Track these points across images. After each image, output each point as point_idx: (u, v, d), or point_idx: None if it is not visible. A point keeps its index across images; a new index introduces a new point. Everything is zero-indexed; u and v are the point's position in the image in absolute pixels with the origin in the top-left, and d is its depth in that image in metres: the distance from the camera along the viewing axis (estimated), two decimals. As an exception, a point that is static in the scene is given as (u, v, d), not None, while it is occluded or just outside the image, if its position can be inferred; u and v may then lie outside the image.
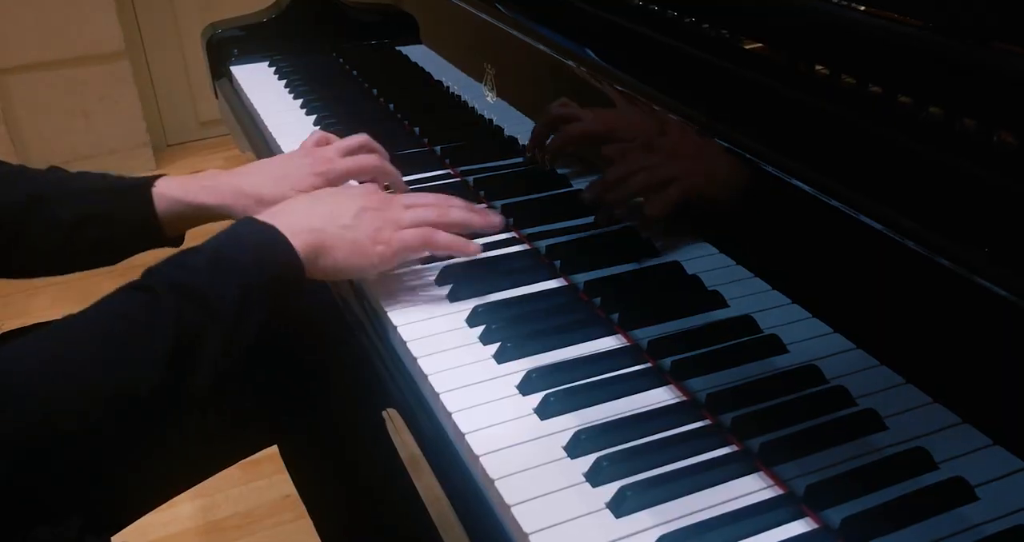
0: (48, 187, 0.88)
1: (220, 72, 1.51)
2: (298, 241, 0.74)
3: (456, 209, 0.83)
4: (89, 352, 0.64)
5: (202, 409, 0.74)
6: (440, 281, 0.85)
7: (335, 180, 0.91)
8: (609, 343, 0.76)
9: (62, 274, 0.96)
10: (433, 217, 0.81)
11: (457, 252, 0.83)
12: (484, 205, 0.86)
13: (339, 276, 0.80)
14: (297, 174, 0.90)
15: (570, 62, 0.83)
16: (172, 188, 0.89)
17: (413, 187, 1.03)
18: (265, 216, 0.76)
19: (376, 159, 0.95)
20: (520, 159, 0.99)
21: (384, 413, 0.81)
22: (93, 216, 0.87)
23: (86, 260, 0.92)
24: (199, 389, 0.67)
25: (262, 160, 0.94)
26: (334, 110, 1.28)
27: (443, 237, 0.81)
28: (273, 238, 0.73)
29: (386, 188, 0.94)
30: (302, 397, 1.00)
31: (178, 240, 0.94)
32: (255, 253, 0.72)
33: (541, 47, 0.87)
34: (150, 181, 0.89)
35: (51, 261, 0.91)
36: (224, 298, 0.68)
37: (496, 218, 0.85)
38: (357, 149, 0.95)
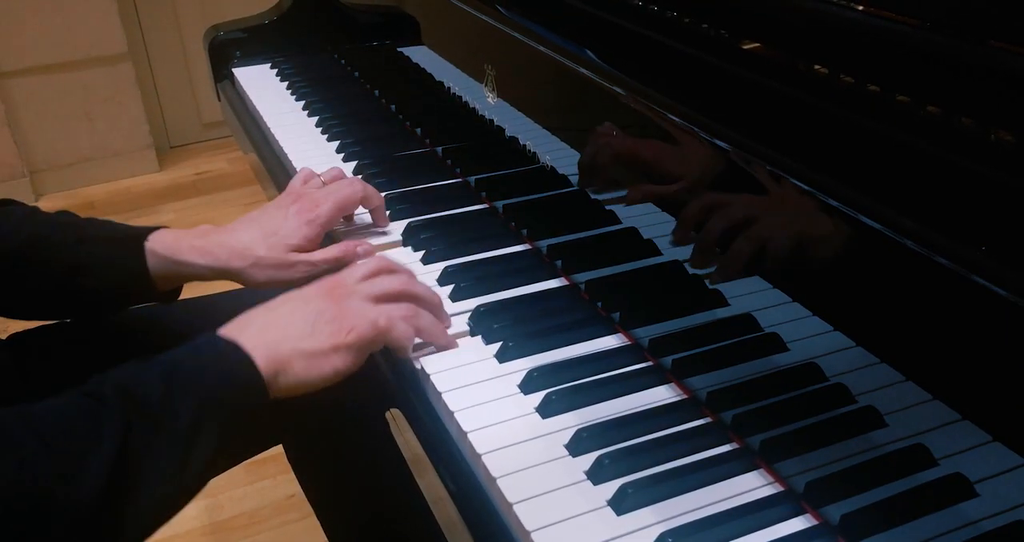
0: (51, 232, 0.86)
1: (222, 74, 1.52)
2: (259, 361, 0.68)
3: (426, 315, 0.76)
4: (21, 456, 0.58)
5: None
6: (442, 281, 0.86)
7: (325, 224, 0.89)
8: (610, 342, 0.76)
9: (61, 319, 0.95)
10: (398, 286, 0.76)
11: (437, 337, 0.77)
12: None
13: (301, 391, 0.72)
14: (287, 226, 0.87)
15: (571, 63, 0.83)
16: (164, 244, 0.86)
17: (414, 189, 1.04)
18: (227, 331, 0.70)
19: (357, 186, 0.92)
20: (521, 159, 1.00)
21: (387, 414, 0.80)
22: (86, 266, 0.85)
23: (82, 309, 0.91)
24: (133, 515, 0.61)
25: (252, 214, 0.90)
26: (336, 111, 1.28)
27: (426, 317, 0.76)
28: (236, 356, 0.67)
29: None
30: (306, 396, 1.00)
31: (173, 294, 0.92)
32: (215, 371, 0.66)
33: (542, 49, 0.87)
34: (144, 234, 0.86)
35: (48, 307, 0.90)
36: (177, 418, 0.63)
37: (454, 342, 0.78)
38: (345, 195, 0.92)
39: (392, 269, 0.79)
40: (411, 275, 0.80)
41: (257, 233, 0.87)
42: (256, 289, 0.86)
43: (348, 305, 0.73)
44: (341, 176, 0.98)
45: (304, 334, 0.70)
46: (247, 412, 0.67)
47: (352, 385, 0.91)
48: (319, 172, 0.98)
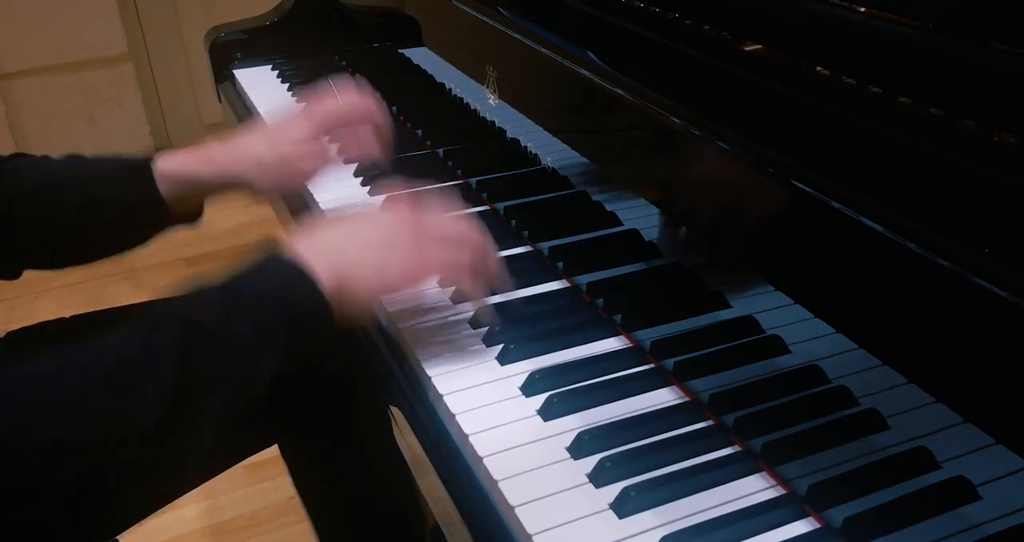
0: (60, 174, 0.86)
1: (223, 75, 1.52)
2: (323, 271, 0.65)
3: (494, 258, 0.77)
4: (81, 389, 0.58)
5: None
6: (443, 282, 0.85)
7: (327, 120, 0.88)
8: (612, 344, 0.76)
9: (84, 263, 0.93)
10: (466, 259, 0.74)
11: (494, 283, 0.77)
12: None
13: (367, 303, 0.73)
14: (283, 126, 0.87)
15: (572, 65, 0.83)
16: (171, 165, 0.86)
17: (415, 191, 1.04)
18: (290, 243, 0.69)
19: (368, 100, 0.91)
20: (522, 161, 0.99)
21: (389, 411, 0.80)
22: (100, 201, 0.84)
23: (103, 247, 0.90)
24: (200, 435, 0.60)
25: (256, 126, 0.92)
26: (337, 113, 1.28)
27: (492, 264, 0.76)
28: (294, 277, 0.65)
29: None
30: (305, 394, 1.00)
31: (194, 216, 0.91)
32: (278, 294, 0.64)
33: (543, 50, 0.87)
34: (150, 159, 0.86)
35: (69, 251, 0.89)
36: (237, 336, 0.61)
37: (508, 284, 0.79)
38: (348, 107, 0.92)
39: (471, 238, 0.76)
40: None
41: (257, 135, 0.86)
42: (265, 192, 0.88)
43: (425, 249, 0.71)
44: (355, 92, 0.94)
45: (375, 262, 0.69)
46: (311, 335, 0.65)
47: (352, 382, 0.91)
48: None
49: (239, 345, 0.61)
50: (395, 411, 0.77)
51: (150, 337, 0.60)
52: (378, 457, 1.15)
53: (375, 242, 0.70)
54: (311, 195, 1.04)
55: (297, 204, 1.08)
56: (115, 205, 0.85)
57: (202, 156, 0.86)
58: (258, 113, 1.33)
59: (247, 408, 0.62)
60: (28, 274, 0.92)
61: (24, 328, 0.96)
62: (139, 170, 0.85)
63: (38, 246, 0.87)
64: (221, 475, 1.02)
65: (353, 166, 1.08)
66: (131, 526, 0.77)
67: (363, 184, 1.06)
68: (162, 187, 0.85)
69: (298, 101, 0.95)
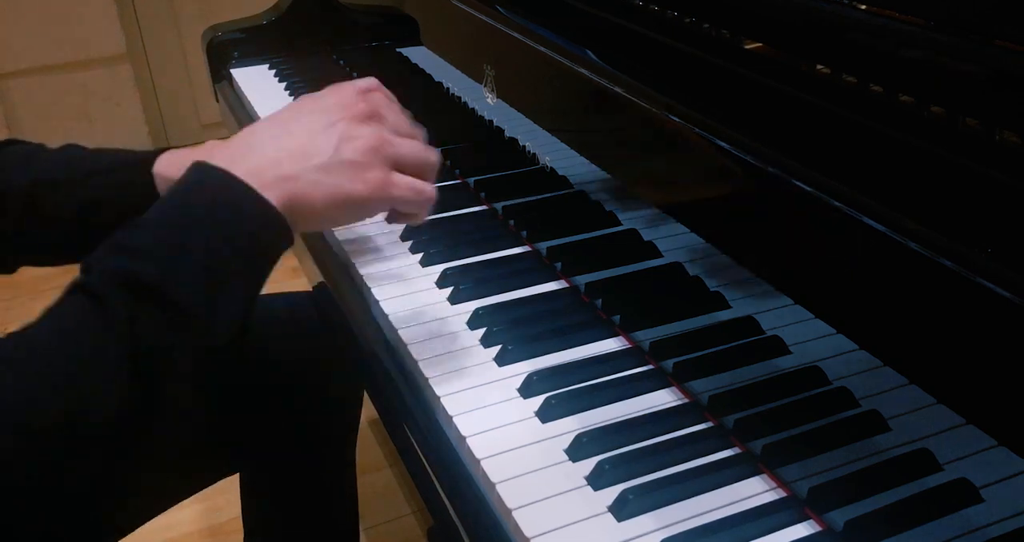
0: (57, 168, 0.82)
1: (221, 75, 1.51)
2: (271, 196, 0.60)
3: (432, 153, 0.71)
4: (35, 379, 0.54)
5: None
6: (441, 284, 0.85)
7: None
8: (610, 345, 0.76)
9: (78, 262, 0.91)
10: (432, 158, 0.69)
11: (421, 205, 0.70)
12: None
13: (317, 228, 0.70)
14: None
15: (571, 64, 0.82)
16: (172, 168, 0.79)
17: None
18: (222, 160, 0.62)
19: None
20: (521, 160, 0.99)
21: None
22: (98, 202, 0.80)
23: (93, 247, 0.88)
24: (173, 398, 0.57)
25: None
26: (335, 112, 1.27)
27: (431, 190, 0.69)
28: (240, 196, 0.59)
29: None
30: (270, 420, 0.98)
31: None
32: (220, 218, 0.58)
33: (542, 49, 0.86)
34: (152, 158, 0.81)
35: (66, 248, 0.84)
36: (186, 290, 0.55)
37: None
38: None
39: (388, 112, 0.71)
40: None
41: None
42: None
43: (381, 133, 0.66)
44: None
45: (324, 163, 0.63)
46: (268, 254, 0.60)
47: (320, 408, 0.87)
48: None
49: (192, 302, 0.56)
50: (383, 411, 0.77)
51: (93, 314, 0.55)
52: (334, 485, 1.15)
53: (317, 139, 0.64)
54: None
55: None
56: (114, 204, 0.81)
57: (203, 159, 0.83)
58: (256, 114, 1.32)
59: (208, 364, 0.59)
60: (27, 274, 0.91)
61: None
62: (140, 168, 0.81)
63: (34, 242, 0.84)
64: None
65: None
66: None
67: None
68: (162, 189, 0.82)
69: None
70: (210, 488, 1.01)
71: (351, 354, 0.88)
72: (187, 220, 0.59)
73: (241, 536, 1.32)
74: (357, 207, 0.66)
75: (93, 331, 0.55)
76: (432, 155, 0.71)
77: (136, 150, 0.85)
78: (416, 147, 0.69)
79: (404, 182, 0.67)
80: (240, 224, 0.59)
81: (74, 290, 0.57)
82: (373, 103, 0.70)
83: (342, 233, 0.96)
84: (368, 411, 1.18)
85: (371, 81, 0.74)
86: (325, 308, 0.82)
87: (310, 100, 0.68)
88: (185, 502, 0.97)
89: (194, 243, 0.57)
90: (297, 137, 0.65)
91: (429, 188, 0.69)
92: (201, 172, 0.62)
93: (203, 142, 0.85)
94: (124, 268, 0.56)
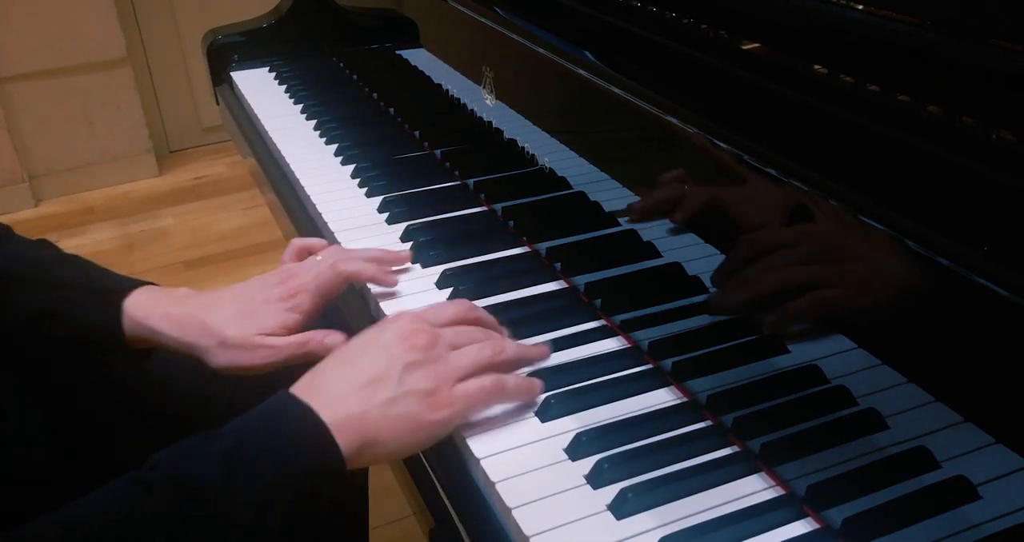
0: (23, 269, 0.80)
1: (221, 78, 1.52)
2: (341, 436, 0.60)
3: (509, 343, 0.71)
4: None
5: None
6: (441, 284, 0.85)
7: (307, 313, 0.80)
8: (609, 345, 0.76)
9: (14, 363, 0.85)
10: (488, 357, 0.68)
11: (528, 397, 0.70)
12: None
13: (392, 459, 0.68)
14: (265, 312, 0.78)
15: (569, 65, 0.83)
16: (139, 307, 0.79)
17: (413, 192, 1.03)
18: (301, 391, 0.63)
19: (341, 267, 0.82)
20: (520, 161, 0.99)
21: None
22: (56, 313, 0.78)
23: (40, 355, 0.84)
24: None
25: (238, 288, 0.81)
26: (334, 114, 1.28)
27: (512, 384, 0.68)
28: (312, 431, 0.60)
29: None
30: None
31: (144, 354, 0.83)
32: (285, 447, 0.59)
33: (540, 50, 0.87)
34: (125, 291, 0.79)
35: (15, 351, 0.82)
36: (238, 506, 0.56)
37: (547, 348, 0.74)
38: (328, 269, 0.82)
39: (475, 317, 0.73)
40: (494, 325, 0.74)
41: (232, 312, 0.79)
42: (220, 369, 0.78)
43: (439, 356, 0.66)
44: (330, 250, 0.87)
45: (392, 395, 0.63)
46: (320, 494, 0.60)
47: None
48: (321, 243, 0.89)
49: (238, 517, 0.57)
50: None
51: (141, 503, 0.56)
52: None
53: (382, 372, 0.64)
54: (321, 218, 1.03)
55: (301, 216, 1.08)
56: (71, 323, 0.78)
57: (173, 312, 0.79)
58: (256, 117, 1.32)
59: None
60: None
61: None
62: (110, 297, 0.79)
63: None
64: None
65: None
66: None
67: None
68: (124, 324, 0.79)
69: (290, 256, 0.86)
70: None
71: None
72: (256, 443, 0.59)
73: None
74: (430, 431, 0.65)
75: (135, 525, 0.56)
76: (501, 352, 0.69)
77: (107, 272, 0.83)
78: (475, 355, 0.68)
79: (473, 391, 0.66)
80: (307, 465, 0.60)
81: (129, 481, 0.58)
82: (431, 323, 0.70)
83: (341, 236, 0.96)
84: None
85: (443, 307, 0.73)
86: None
87: (372, 333, 0.68)
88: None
89: (257, 468, 0.58)
90: (363, 372, 0.65)
91: (501, 382, 0.67)
92: (286, 404, 0.62)
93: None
94: (185, 468, 0.57)
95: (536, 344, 0.74)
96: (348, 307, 0.88)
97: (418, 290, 0.85)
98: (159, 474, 0.57)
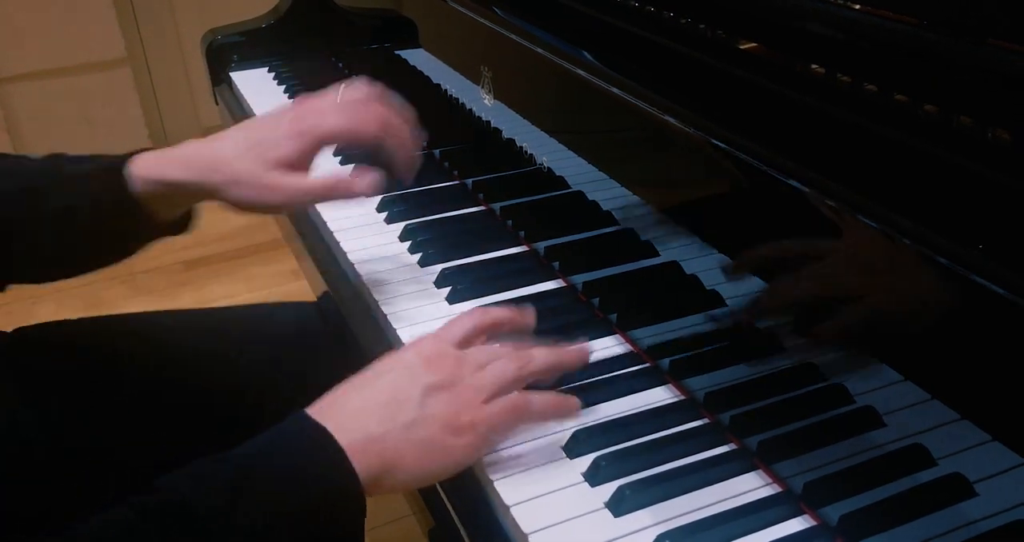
0: (40, 178, 0.77)
1: (220, 78, 1.52)
2: (359, 461, 0.57)
3: (539, 352, 0.65)
4: None
5: None
6: (439, 283, 0.85)
7: (322, 138, 0.73)
8: (608, 343, 0.76)
9: (74, 276, 0.84)
10: (514, 371, 0.63)
11: (559, 416, 0.66)
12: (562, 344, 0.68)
13: (414, 487, 0.65)
14: (272, 137, 0.72)
15: (567, 65, 0.83)
16: (148, 166, 0.74)
17: (411, 191, 1.04)
18: (318, 413, 0.60)
19: (381, 111, 0.76)
20: (518, 161, 1.00)
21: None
22: (75, 207, 0.75)
23: (90, 257, 0.82)
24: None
25: (247, 120, 0.78)
26: (333, 114, 1.28)
27: (538, 403, 0.64)
28: (328, 457, 0.57)
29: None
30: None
31: (183, 223, 0.81)
32: (298, 474, 0.56)
33: (538, 50, 0.87)
34: (124, 159, 0.75)
35: (50, 262, 0.80)
36: (235, 533, 0.53)
37: (586, 349, 0.69)
38: (359, 102, 0.76)
39: (493, 321, 0.67)
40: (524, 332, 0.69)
41: (240, 142, 0.73)
42: (241, 210, 0.74)
43: (463, 377, 0.62)
44: (365, 95, 0.80)
45: (413, 418, 0.59)
46: (335, 522, 0.57)
47: None
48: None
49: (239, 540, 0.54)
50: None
51: (133, 529, 0.54)
52: None
53: (402, 395, 0.60)
54: (320, 217, 1.01)
55: (299, 216, 1.08)
56: (89, 211, 0.75)
57: (178, 155, 0.76)
58: (254, 115, 1.32)
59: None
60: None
61: (36, 325, 0.93)
62: (111, 171, 0.75)
63: (17, 258, 0.79)
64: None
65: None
66: None
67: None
68: (138, 189, 0.75)
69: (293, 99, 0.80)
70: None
71: (355, 357, 0.88)
72: (267, 467, 0.57)
73: None
74: (454, 457, 0.61)
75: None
76: (527, 364, 0.64)
77: (115, 155, 0.79)
78: (499, 372, 0.63)
79: (497, 412, 0.62)
80: (319, 498, 0.56)
81: (123, 509, 0.55)
82: (452, 342, 0.65)
83: (341, 236, 0.96)
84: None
85: (460, 321, 0.68)
86: (328, 315, 0.82)
87: (392, 356, 0.65)
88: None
89: (269, 495, 0.55)
90: (383, 392, 0.61)
91: (526, 401, 0.64)
92: (300, 431, 0.59)
93: (187, 143, 0.82)
94: (188, 491, 0.55)
95: (571, 347, 0.68)
96: (347, 309, 0.88)
97: (417, 290, 0.85)
98: (157, 498, 0.55)
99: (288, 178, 0.72)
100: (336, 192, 0.74)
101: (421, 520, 1.27)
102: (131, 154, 0.77)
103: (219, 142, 0.76)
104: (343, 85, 0.79)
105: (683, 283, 0.75)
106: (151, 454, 0.74)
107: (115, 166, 0.75)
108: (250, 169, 0.72)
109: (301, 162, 0.74)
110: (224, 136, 0.76)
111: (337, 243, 0.94)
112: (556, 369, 0.66)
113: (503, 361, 0.63)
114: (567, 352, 0.67)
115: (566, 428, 0.66)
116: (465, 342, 0.66)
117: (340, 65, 1.49)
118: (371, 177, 0.71)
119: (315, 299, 1.04)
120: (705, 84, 0.73)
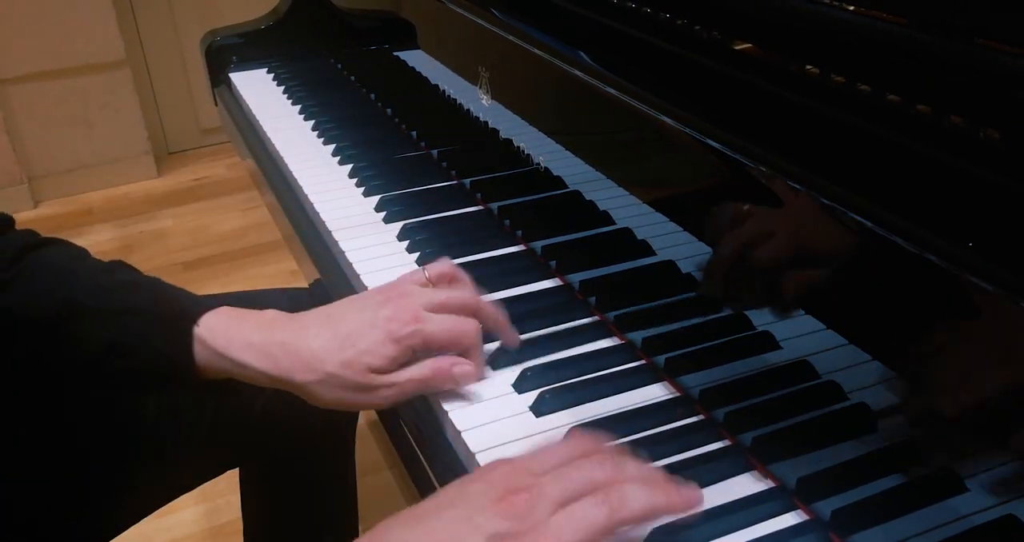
0: (91, 299, 0.72)
1: (219, 79, 1.52)
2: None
3: (636, 493, 0.52)
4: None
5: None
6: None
7: (419, 347, 0.68)
8: (604, 341, 0.77)
9: (87, 398, 0.83)
10: (604, 519, 0.50)
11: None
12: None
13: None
14: (370, 338, 0.67)
15: (564, 66, 0.84)
16: (216, 334, 0.70)
17: (410, 191, 1.04)
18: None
19: (473, 325, 0.71)
20: (516, 161, 1.00)
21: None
22: (124, 345, 0.70)
23: (112, 389, 0.82)
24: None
25: (332, 307, 0.72)
26: (332, 115, 1.29)
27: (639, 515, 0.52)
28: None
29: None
30: (269, 414, 0.97)
31: (223, 388, 0.74)
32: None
33: (536, 51, 0.87)
34: (196, 315, 0.71)
35: (76, 383, 0.78)
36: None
37: (698, 494, 0.56)
38: (457, 306, 0.71)
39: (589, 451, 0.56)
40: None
41: (331, 340, 0.67)
42: (323, 406, 0.69)
43: (536, 524, 0.50)
44: (454, 275, 0.76)
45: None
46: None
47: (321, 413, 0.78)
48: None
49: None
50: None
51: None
52: (334, 476, 1.15)
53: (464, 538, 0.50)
54: (319, 217, 1.04)
55: (299, 217, 1.08)
56: (140, 355, 0.70)
57: (257, 341, 0.69)
58: (255, 118, 1.33)
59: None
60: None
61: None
62: (180, 323, 0.70)
63: (42, 375, 0.76)
64: (219, 478, 1.03)
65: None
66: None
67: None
68: (198, 352, 0.70)
69: (381, 301, 0.71)
70: (211, 490, 1.02)
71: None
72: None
73: (241, 537, 1.33)
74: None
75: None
76: (621, 507, 0.51)
77: (181, 293, 0.75)
78: (587, 520, 0.51)
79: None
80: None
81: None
82: (534, 472, 0.54)
83: (339, 234, 0.97)
84: (368, 413, 1.18)
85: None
86: (321, 301, 0.83)
87: (458, 484, 0.55)
88: (186, 503, 0.98)
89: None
90: (436, 535, 0.51)
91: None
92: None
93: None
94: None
95: (684, 485, 0.55)
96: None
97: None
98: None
99: (383, 379, 0.68)
100: (433, 386, 0.70)
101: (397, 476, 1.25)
102: (204, 307, 0.72)
103: (306, 335, 0.69)
104: (426, 271, 0.75)
105: (679, 282, 0.75)
106: (139, 432, 0.75)
107: (185, 317, 0.71)
108: (345, 372, 0.67)
109: (393, 368, 0.69)
110: (310, 326, 0.70)
111: (336, 242, 0.95)
112: (656, 516, 0.53)
113: (591, 505, 0.51)
114: (676, 494, 0.54)
115: (563, 424, 0.67)
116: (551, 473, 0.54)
117: (339, 66, 1.50)
118: (470, 367, 0.69)
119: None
120: (700, 85, 0.73)
